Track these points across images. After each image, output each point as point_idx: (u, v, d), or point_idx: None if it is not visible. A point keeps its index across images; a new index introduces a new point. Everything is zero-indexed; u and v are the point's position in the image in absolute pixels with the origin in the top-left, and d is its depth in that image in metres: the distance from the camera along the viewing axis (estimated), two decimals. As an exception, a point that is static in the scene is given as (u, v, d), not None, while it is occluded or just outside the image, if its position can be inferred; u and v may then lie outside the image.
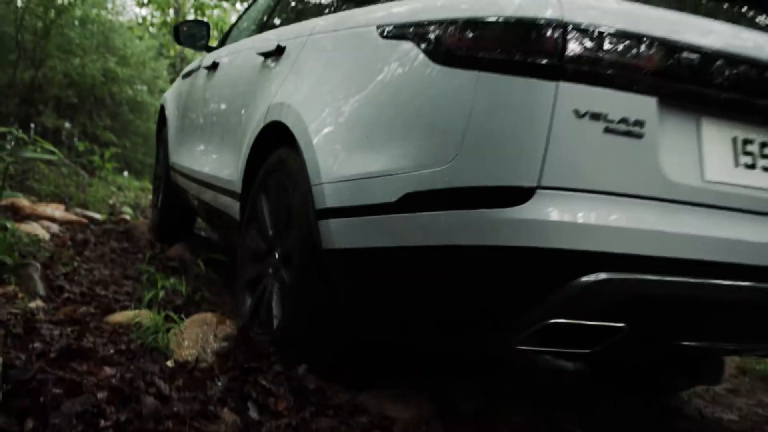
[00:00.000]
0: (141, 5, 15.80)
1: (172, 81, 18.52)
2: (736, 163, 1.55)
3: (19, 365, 1.65)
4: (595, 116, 1.36)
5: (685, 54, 1.45)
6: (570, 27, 1.37)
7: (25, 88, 11.95)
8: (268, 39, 2.62)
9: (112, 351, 1.92)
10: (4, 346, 1.75)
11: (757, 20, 1.93)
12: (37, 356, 1.74)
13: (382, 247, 1.62)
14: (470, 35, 1.47)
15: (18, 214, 4.10)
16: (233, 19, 21.56)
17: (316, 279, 1.85)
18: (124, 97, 15.85)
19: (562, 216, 1.37)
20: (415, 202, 1.51)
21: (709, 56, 1.48)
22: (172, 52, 17.76)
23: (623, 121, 1.38)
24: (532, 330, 1.47)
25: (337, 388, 2.00)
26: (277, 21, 2.99)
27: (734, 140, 1.56)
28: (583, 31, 1.38)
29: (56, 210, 4.44)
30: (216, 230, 3.42)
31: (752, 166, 1.56)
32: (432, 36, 1.56)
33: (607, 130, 1.37)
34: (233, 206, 2.57)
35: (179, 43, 3.86)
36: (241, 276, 2.35)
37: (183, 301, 2.66)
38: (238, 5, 24.36)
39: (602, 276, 1.37)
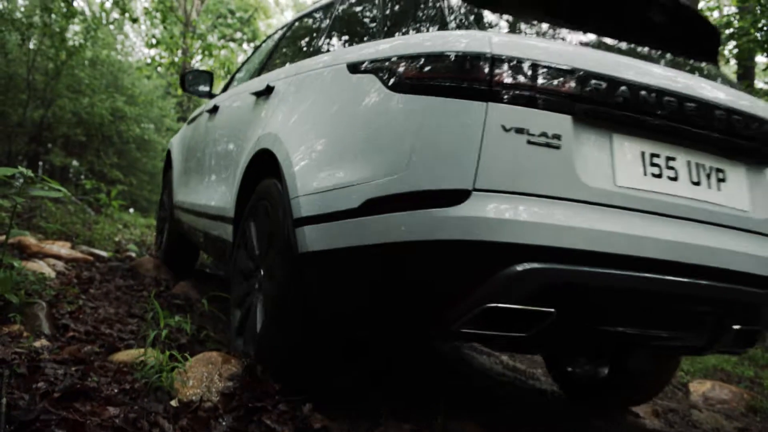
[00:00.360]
0: (150, 46, 16.12)
1: (179, 120, 18.82)
2: (645, 173, 1.81)
3: (22, 405, 1.64)
4: (519, 130, 1.63)
5: (594, 81, 1.72)
6: (497, 59, 1.66)
7: (35, 127, 12.13)
8: (261, 81, 2.97)
9: (116, 390, 1.91)
10: (8, 386, 1.74)
11: (663, 56, 2.22)
12: (41, 396, 1.73)
13: (348, 247, 1.85)
14: (418, 68, 1.77)
15: (25, 252, 4.12)
16: (240, 59, 21.93)
17: (292, 279, 2.08)
18: (132, 136, 16.05)
19: (493, 213, 1.61)
20: (374, 206, 1.76)
21: (617, 84, 1.75)
22: (179, 92, 18.05)
23: (543, 134, 1.65)
24: (473, 313, 1.66)
25: (344, 428, 1.98)
26: (269, 69, 3.25)
27: (643, 154, 1.82)
28: (508, 63, 1.67)
29: (62, 248, 4.46)
30: (213, 255, 3.69)
31: (659, 176, 1.82)
32: (388, 69, 1.87)
33: (529, 142, 1.64)
34: (227, 228, 2.88)
35: (185, 90, 4.14)
36: (236, 267, 2.66)
37: (188, 339, 2.65)
38: (245, 45, 24.85)
39: (530, 265, 1.61)
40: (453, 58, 1.70)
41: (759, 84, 13.65)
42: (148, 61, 16.41)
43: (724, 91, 2.03)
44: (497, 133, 1.62)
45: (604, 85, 1.73)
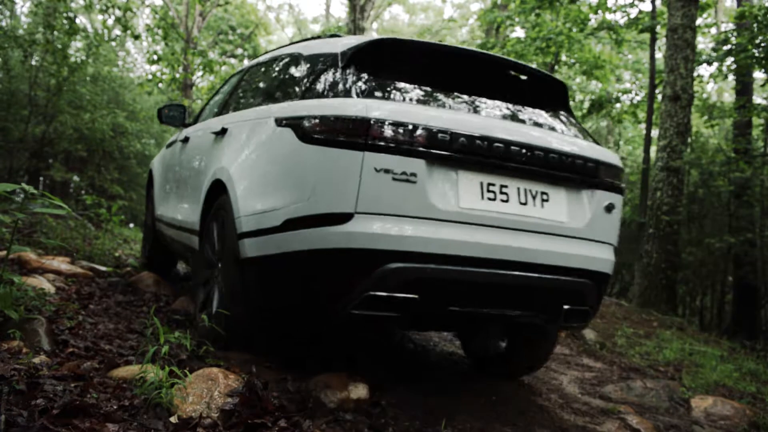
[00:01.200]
0: (151, 62, 16.24)
1: (179, 135, 18.84)
2: (482, 197, 2.49)
3: (21, 422, 1.64)
4: (387, 171, 2.30)
5: (441, 135, 2.39)
6: (372, 122, 2.31)
7: (36, 142, 12.16)
8: (219, 122, 3.59)
9: (115, 407, 1.90)
10: (7, 403, 1.73)
11: (521, 110, 2.90)
12: (40, 413, 1.72)
13: (273, 254, 2.53)
14: (318, 126, 2.40)
15: (25, 268, 4.12)
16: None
17: (236, 274, 2.76)
18: (132, 151, 16.08)
19: (369, 229, 2.30)
20: (290, 224, 2.43)
21: (459, 136, 2.42)
22: (180, 107, 18.09)
23: (403, 173, 2.32)
24: (359, 299, 2.33)
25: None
26: (226, 112, 3.87)
27: (481, 183, 2.50)
28: (379, 124, 2.31)
29: (62, 263, 4.46)
30: (184, 259, 4.42)
31: (494, 199, 2.51)
32: (299, 125, 2.49)
33: (393, 179, 2.31)
34: (194, 239, 3.54)
35: (162, 122, 4.66)
36: (197, 277, 3.35)
37: (187, 355, 2.64)
38: (245, 61, 24.96)
39: (396, 265, 2.31)
40: (341, 120, 2.35)
41: (757, 99, 13.72)
42: (150, 77, 16.51)
43: (553, 135, 2.75)
44: (371, 173, 2.29)
45: (448, 138, 2.40)
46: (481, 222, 2.44)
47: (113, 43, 16.65)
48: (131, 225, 14.37)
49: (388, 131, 2.31)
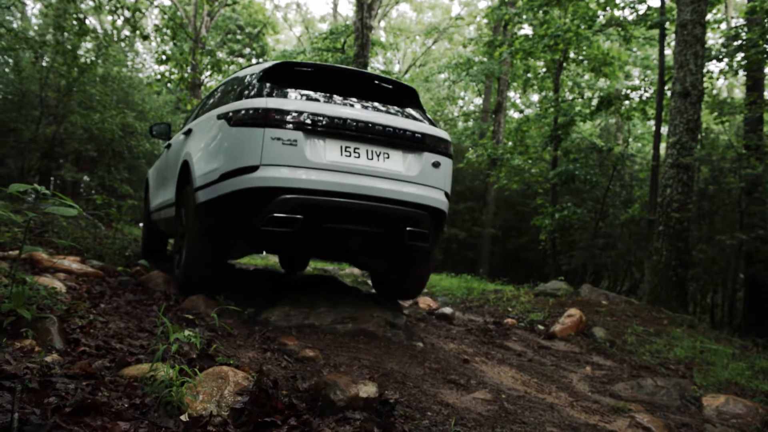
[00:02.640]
0: (160, 62, 16.26)
1: (188, 134, 18.87)
2: (341, 154, 3.80)
3: (34, 420, 1.65)
4: (278, 139, 3.66)
5: (312, 116, 3.73)
6: (268, 110, 3.69)
7: (47, 142, 12.24)
8: (188, 126, 5.11)
9: (126, 405, 1.91)
10: (20, 401, 1.75)
11: (382, 104, 4.29)
12: (52, 411, 1.73)
13: (215, 197, 3.83)
14: (240, 115, 3.77)
15: (36, 267, 4.15)
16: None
17: (194, 217, 4.09)
18: (142, 151, 16.17)
19: (270, 174, 3.64)
20: (224, 177, 3.75)
21: (324, 117, 3.75)
22: (189, 107, 18.18)
23: (288, 140, 3.67)
24: (266, 218, 3.61)
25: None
26: (194, 119, 5.28)
27: (341, 147, 3.81)
28: (274, 112, 3.69)
29: (73, 262, 4.49)
30: (169, 231, 5.61)
31: (349, 156, 3.82)
32: (229, 116, 3.86)
33: (282, 143, 3.67)
34: (172, 210, 4.92)
35: (152, 136, 6.26)
36: (177, 231, 4.66)
37: (197, 353, 2.65)
38: (254, 61, 24.97)
39: (286, 196, 3.62)
40: (252, 110, 3.72)
41: (768, 95, 13.56)
42: (158, 77, 16.55)
43: (394, 118, 4.06)
44: (269, 140, 3.65)
45: (318, 119, 3.74)
46: (340, 169, 3.74)
47: (122, 44, 16.75)
48: (141, 224, 14.42)
49: (279, 115, 3.68)
